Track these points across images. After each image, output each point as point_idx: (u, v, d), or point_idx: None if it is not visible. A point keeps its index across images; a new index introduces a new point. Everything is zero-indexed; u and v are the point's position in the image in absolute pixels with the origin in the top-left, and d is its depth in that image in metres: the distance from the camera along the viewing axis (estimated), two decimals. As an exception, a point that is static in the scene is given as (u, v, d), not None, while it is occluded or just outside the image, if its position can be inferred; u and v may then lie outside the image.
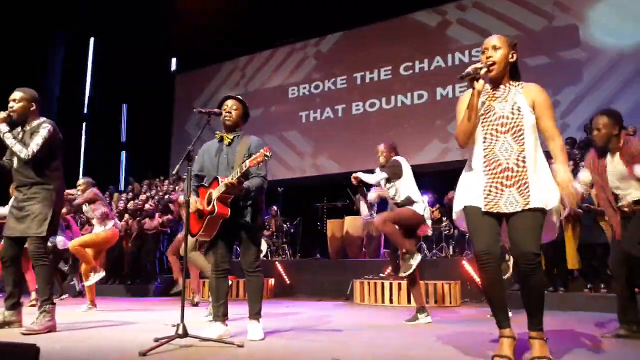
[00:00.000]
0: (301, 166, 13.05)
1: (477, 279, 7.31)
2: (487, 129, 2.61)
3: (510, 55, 2.64)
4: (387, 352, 2.97)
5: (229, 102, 3.65)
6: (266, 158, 3.17)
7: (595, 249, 6.33)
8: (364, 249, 9.43)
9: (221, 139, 3.65)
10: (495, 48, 2.62)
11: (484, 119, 2.63)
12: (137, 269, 9.53)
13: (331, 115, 13.00)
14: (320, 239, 10.43)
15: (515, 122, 2.57)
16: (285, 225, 10.59)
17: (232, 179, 3.24)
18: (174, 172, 3.39)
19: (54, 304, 3.82)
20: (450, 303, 6.84)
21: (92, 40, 15.83)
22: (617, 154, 3.57)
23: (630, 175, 3.50)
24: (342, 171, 12.25)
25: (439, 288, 6.91)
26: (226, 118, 3.61)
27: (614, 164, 3.59)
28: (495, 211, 2.53)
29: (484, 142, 2.61)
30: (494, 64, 2.61)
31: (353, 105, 12.69)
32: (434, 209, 8.94)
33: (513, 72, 2.70)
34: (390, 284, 7.04)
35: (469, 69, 2.58)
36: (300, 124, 13.38)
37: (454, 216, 2.77)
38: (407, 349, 3.09)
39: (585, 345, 3.27)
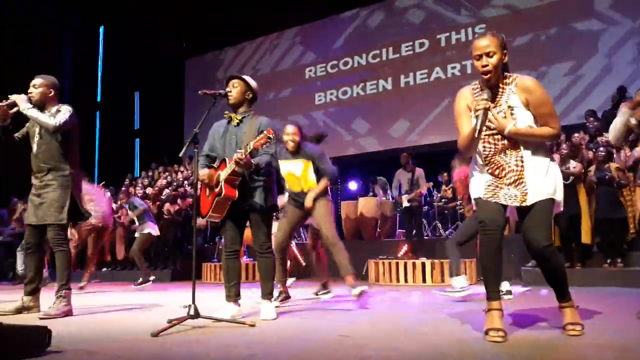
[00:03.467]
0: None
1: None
2: (485, 138, 2.63)
3: (503, 57, 2.59)
4: (395, 329, 2.97)
5: (231, 82, 3.63)
6: (269, 140, 3.16)
7: (614, 224, 6.25)
8: (378, 230, 9.43)
9: (230, 120, 3.63)
10: (489, 55, 2.54)
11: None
12: (157, 254, 9.67)
13: (347, 96, 12.89)
14: (335, 220, 10.40)
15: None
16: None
17: (242, 155, 3.23)
18: (180, 154, 3.38)
19: (70, 289, 3.88)
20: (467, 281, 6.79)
21: (102, 27, 15.84)
22: None
23: None
24: (356, 152, 12.25)
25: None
26: (228, 97, 3.58)
27: None
28: (494, 201, 2.63)
29: (484, 150, 2.66)
30: (489, 74, 2.55)
31: (367, 85, 12.56)
32: (448, 187, 8.91)
33: (504, 69, 2.64)
34: (405, 264, 7.04)
35: (481, 110, 2.51)
36: (314, 105, 13.31)
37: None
38: (416, 326, 3.08)
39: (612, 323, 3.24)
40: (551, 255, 2.58)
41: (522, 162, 2.59)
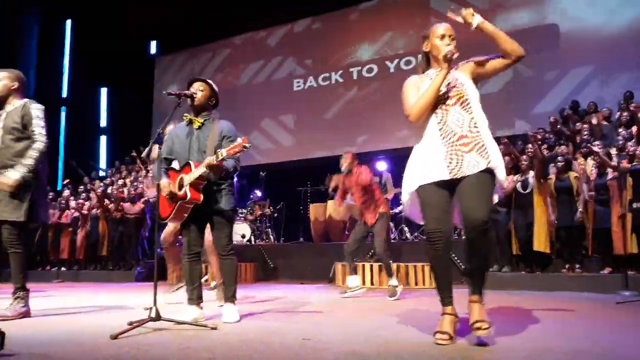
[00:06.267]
0: (284, 151, 13.00)
1: (458, 262, 7.39)
2: (438, 105, 2.72)
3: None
4: (357, 332, 3.00)
5: (195, 84, 3.61)
6: (244, 149, 3.16)
7: (572, 231, 6.44)
8: (346, 232, 9.47)
9: (190, 122, 3.60)
10: (452, 38, 2.76)
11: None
12: (118, 254, 9.49)
13: (315, 99, 12.93)
14: (304, 223, 10.45)
15: (460, 94, 2.71)
16: (268, 210, 10.58)
17: (214, 160, 3.21)
18: (143, 155, 3.35)
19: (27, 290, 3.77)
20: (431, 285, 6.91)
21: (68, 22, 15.47)
22: None
23: None
24: (325, 155, 12.27)
25: (419, 270, 6.98)
26: (193, 99, 3.54)
27: None
28: (459, 177, 2.60)
29: (436, 116, 2.72)
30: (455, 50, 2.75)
31: (337, 90, 12.64)
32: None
33: None
34: (371, 266, 7.10)
35: (448, 51, 2.67)
36: (282, 107, 13.30)
37: (404, 199, 2.78)
38: (378, 329, 3.12)
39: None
40: (485, 235, 2.56)
41: (477, 126, 2.65)
